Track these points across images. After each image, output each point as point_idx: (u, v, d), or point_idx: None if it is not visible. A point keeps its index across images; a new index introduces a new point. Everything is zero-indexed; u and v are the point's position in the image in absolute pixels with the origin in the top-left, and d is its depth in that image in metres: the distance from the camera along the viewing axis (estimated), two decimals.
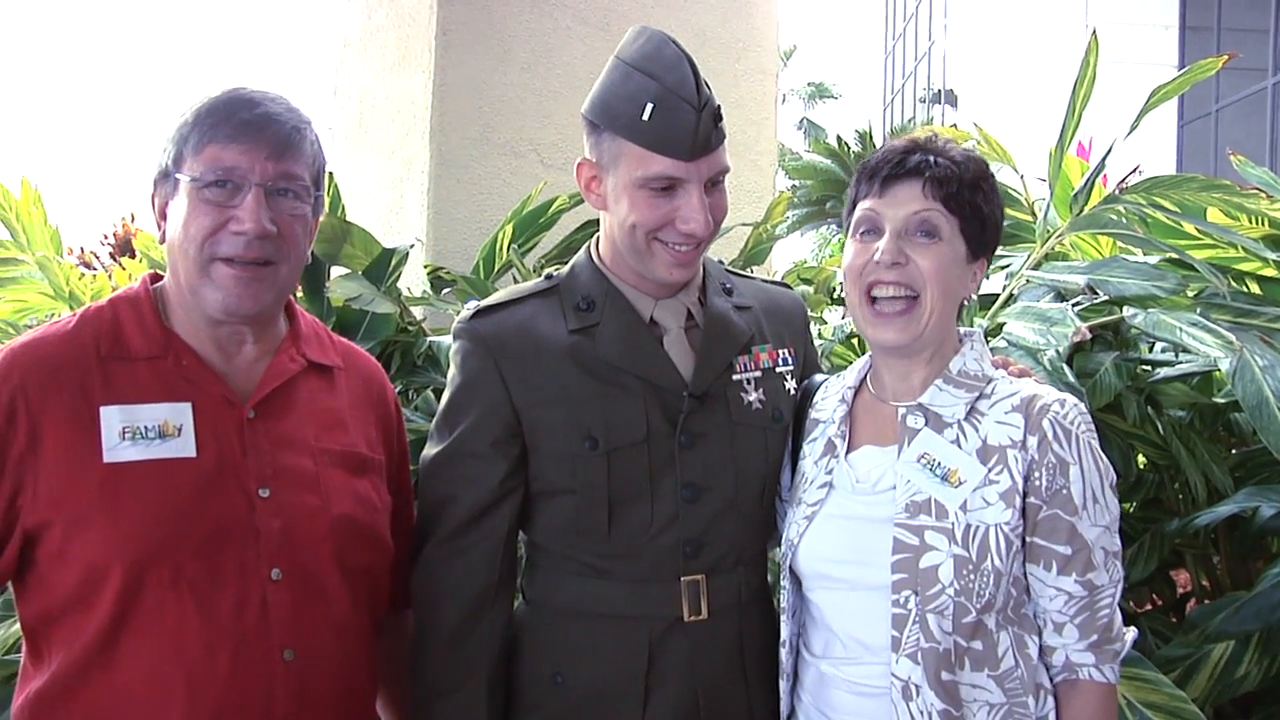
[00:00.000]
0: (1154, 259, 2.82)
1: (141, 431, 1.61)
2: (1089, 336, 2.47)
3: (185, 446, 1.62)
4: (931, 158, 1.72)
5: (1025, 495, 1.66)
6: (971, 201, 1.71)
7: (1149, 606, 2.99)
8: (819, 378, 2.00)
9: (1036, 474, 1.66)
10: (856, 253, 1.75)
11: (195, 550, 1.59)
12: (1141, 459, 2.87)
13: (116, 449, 1.59)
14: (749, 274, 2.14)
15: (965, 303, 1.79)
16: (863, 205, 1.75)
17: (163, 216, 1.70)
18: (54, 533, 1.57)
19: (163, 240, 1.71)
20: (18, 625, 2.53)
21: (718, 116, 1.77)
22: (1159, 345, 2.88)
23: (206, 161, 1.63)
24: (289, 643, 1.64)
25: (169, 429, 1.62)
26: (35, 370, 1.60)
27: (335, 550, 1.71)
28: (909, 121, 34.96)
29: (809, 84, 39.20)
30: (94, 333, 1.66)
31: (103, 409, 1.60)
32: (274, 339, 1.79)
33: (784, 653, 1.83)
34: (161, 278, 1.78)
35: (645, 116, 1.73)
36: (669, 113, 1.72)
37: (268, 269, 1.68)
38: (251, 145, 1.64)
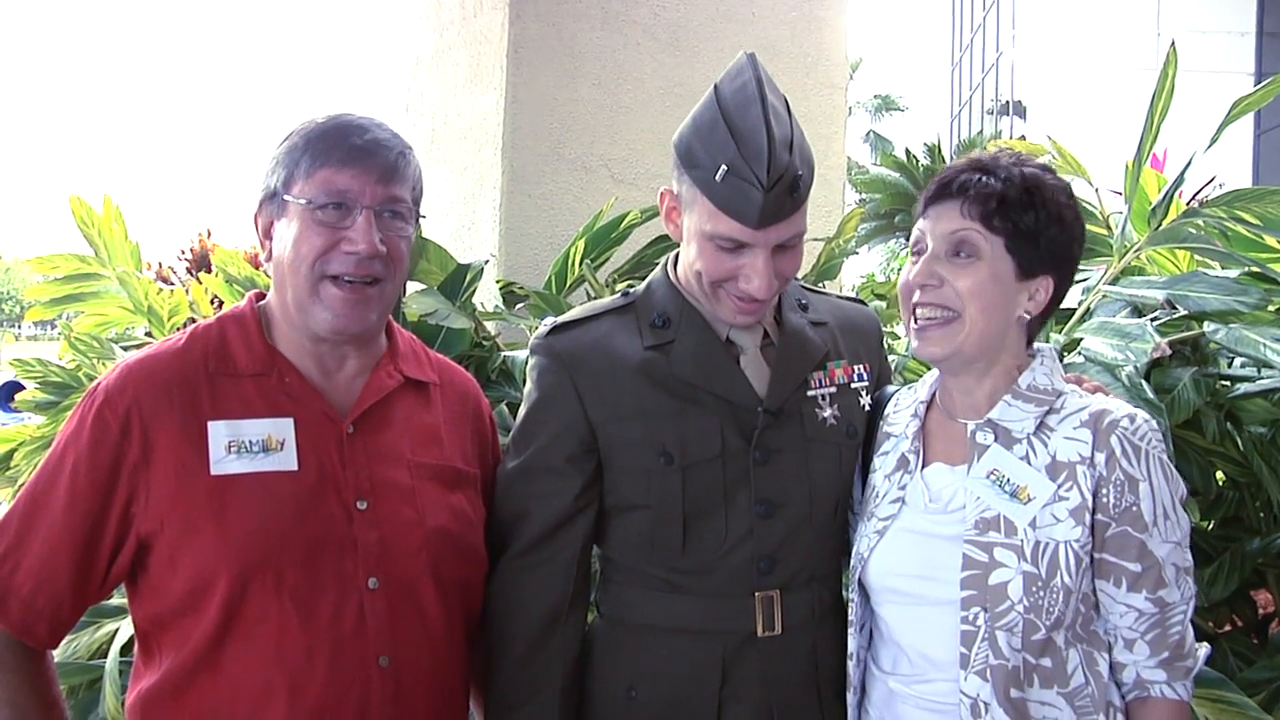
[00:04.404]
0: (1235, 273, 2.77)
1: (246, 445, 1.67)
2: (1168, 352, 2.43)
3: (287, 460, 1.68)
4: (978, 176, 1.72)
5: (1094, 512, 1.65)
6: (1017, 219, 1.69)
7: (1229, 627, 2.93)
8: (890, 389, 2.00)
9: (1105, 491, 1.65)
10: (906, 270, 1.78)
11: (297, 559, 1.65)
12: (1221, 476, 2.81)
13: (223, 461, 1.65)
14: (824, 290, 2.14)
15: (1026, 316, 1.75)
16: (916, 225, 1.78)
17: (267, 236, 1.77)
18: (164, 541, 1.64)
19: (268, 259, 1.77)
20: (102, 631, 2.61)
21: (794, 186, 1.73)
22: (1239, 360, 2.82)
23: (319, 185, 1.69)
24: (385, 650, 1.69)
25: (272, 443, 1.68)
26: (148, 386, 1.67)
27: (430, 561, 1.75)
28: (977, 134, 34.60)
29: (875, 96, 38.97)
30: (203, 350, 1.73)
31: (210, 423, 1.67)
32: (373, 356, 1.84)
33: (851, 665, 1.83)
34: (265, 296, 1.83)
35: (718, 178, 1.71)
36: (739, 182, 1.70)
37: (374, 288, 1.73)
38: (362, 170, 1.70)
